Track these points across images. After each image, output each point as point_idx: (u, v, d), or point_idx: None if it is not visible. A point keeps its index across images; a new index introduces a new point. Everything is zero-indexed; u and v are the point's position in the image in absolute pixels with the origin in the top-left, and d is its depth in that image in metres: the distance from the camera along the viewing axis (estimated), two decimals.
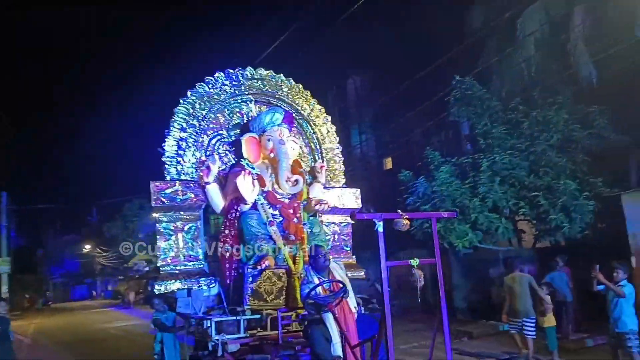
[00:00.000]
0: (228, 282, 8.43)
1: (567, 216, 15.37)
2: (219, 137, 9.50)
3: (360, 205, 10.22)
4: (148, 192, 8.47)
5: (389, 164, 28.55)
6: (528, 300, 12.28)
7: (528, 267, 17.01)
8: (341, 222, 10.03)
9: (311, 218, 9.29)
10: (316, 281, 7.32)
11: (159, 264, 8.59)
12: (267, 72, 9.79)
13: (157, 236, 8.63)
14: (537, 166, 15.96)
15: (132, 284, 49.13)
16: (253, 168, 8.83)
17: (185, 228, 8.76)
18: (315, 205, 9.19)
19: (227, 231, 8.56)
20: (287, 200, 9.00)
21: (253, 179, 8.70)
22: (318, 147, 10.04)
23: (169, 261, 8.62)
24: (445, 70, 18.00)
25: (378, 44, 25.04)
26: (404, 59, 22.02)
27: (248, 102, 9.69)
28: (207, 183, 8.68)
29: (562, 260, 14.90)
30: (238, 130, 9.55)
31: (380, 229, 6.40)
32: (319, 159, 10.03)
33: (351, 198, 10.13)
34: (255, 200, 8.75)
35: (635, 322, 9.68)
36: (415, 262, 6.75)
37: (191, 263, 8.72)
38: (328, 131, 10.16)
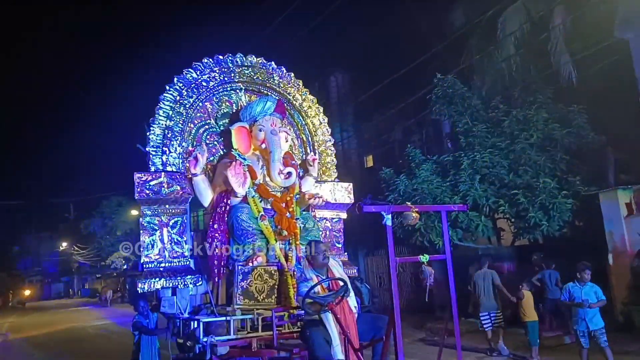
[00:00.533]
0: (217, 280, 7.62)
1: (545, 214, 15.03)
2: (206, 126, 8.65)
3: (353, 200, 9.45)
4: (127, 188, 7.87)
5: (370, 161, 28.03)
6: (491, 294, 12.89)
7: (507, 264, 16.77)
8: (333, 218, 9.24)
9: (304, 212, 8.49)
10: (315, 279, 6.56)
11: (142, 261, 7.74)
12: (258, 59, 8.95)
13: (141, 231, 7.77)
14: (517, 165, 15.59)
15: (110, 282, 47.75)
16: (244, 159, 8.03)
17: (171, 222, 7.89)
18: (309, 199, 8.39)
19: (215, 226, 7.73)
20: (279, 194, 8.20)
21: (244, 170, 7.89)
22: (310, 140, 9.23)
23: (153, 257, 7.75)
24: (427, 68, 17.47)
25: (361, 42, 24.46)
26: (386, 56, 21.18)
27: (237, 90, 8.85)
28: (195, 175, 7.86)
29: (537, 258, 14.77)
30: (227, 120, 8.71)
31: (389, 222, 5.71)
32: (310, 151, 9.21)
33: (343, 193, 9.36)
34: (245, 193, 7.91)
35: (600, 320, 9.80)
36: (425, 258, 6.08)
37: (177, 260, 7.86)
38: (320, 123, 9.36)
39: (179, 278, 7.69)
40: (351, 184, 9.45)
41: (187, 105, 8.24)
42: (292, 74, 9.23)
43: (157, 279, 7.57)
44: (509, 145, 15.69)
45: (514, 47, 17.03)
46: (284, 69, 9.14)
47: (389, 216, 5.76)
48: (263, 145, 8.23)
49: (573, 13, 15.87)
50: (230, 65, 8.65)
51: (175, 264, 7.82)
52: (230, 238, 7.76)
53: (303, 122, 9.23)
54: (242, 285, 7.42)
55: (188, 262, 7.97)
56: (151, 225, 7.76)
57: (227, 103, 8.82)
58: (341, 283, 6.33)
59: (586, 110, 15.77)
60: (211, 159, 8.47)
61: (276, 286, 7.56)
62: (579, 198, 15.14)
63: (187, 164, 7.90)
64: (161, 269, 7.73)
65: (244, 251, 7.53)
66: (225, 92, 8.77)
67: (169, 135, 8.03)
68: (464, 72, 17.62)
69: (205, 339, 7.04)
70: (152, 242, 7.75)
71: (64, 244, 62.97)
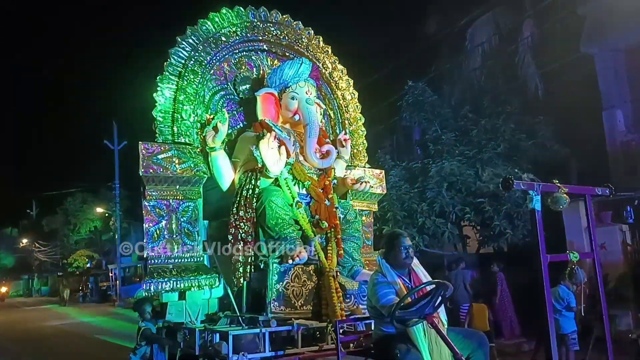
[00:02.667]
0: (242, 280, 5.10)
1: (510, 223, 13.40)
2: (223, 92, 6.01)
3: (385, 190, 6.91)
4: (94, 184, 5.24)
5: None
6: (463, 292, 12.04)
7: (471, 271, 15.17)
8: (363, 210, 6.59)
9: (342, 201, 5.91)
10: (400, 284, 4.21)
11: (146, 255, 5.15)
12: (284, 16, 6.34)
13: (145, 217, 5.15)
14: (484, 173, 13.64)
15: (72, 281, 42.36)
16: (280, 130, 5.51)
17: (181, 208, 5.28)
18: (353, 184, 5.88)
19: (241, 213, 5.12)
20: (315, 177, 5.67)
21: (278, 145, 5.43)
22: (339, 116, 6.62)
23: (159, 251, 5.14)
24: (399, 75, 15.36)
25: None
26: (357, 61, 19.27)
27: (259, 51, 6.23)
28: (214, 149, 5.33)
29: (498, 267, 13.00)
30: (247, 86, 6.06)
31: (538, 205, 4.24)
32: (340, 130, 6.59)
33: (375, 181, 6.65)
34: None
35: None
36: (575, 256, 4.01)
37: (188, 255, 5.26)
38: (352, 97, 6.75)
39: (192, 278, 5.14)
40: (383, 171, 6.98)
41: (204, 64, 5.64)
42: (320, 38, 6.61)
43: (166, 280, 5.01)
44: (476, 154, 13.91)
45: (483, 58, 15.43)
46: (311, 30, 6.53)
47: (538, 197, 4.21)
48: (296, 117, 5.70)
49: (540, 27, 14.43)
50: (254, 19, 6.04)
51: (186, 260, 5.23)
52: (259, 229, 5.24)
53: (332, 96, 6.62)
54: (277, 288, 4.95)
55: (201, 258, 5.38)
56: (157, 210, 5.17)
57: (246, 66, 6.16)
58: (433, 289, 4.00)
59: (551, 122, 14.29)
60: (229, 132, 5.76)
61: (314, 290, 5.17)
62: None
63: (204, 136, 5.35)
64: (170, 266, 5.16)
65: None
66: (245, 52, 6.14)
67: (181, 99, 5.41)
68: (435, 80, 15.77)
69: (236, 357, 4.52)
70: (158, 232, 5.16)
71: (25, 241, 56.38)
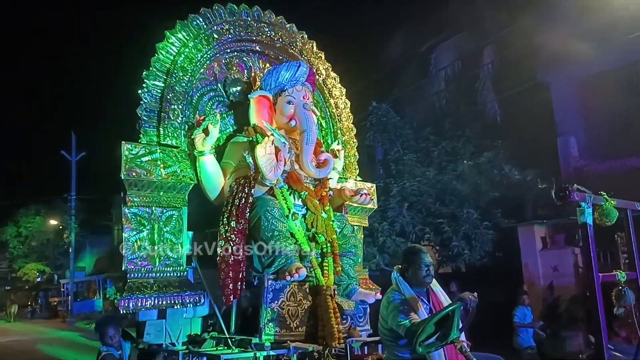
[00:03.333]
0: (232, 298, 4.45)
1: (468, 243, 13.24)
2: (212, 93, 5.29)
3: (377, 205, 6.31)
4: (46, 196, 4.53)
5: None
6: None
7: None
8: (354, 225, 5.70)
9: (337, 214, 5.22)
10: (417, 302, 3.69)
11: (124, 268, 4.44)
12: (278, 17, 5.63)
13: (124, 225, 4.43)
14: (444, 194, 13.59)
15: (20, 296, 39.29)
16: (279, 135, 4.79)
17: (164, 217, 4.56)
18: (351, 196, 5.20)
19: (233, 223, 4.44)
20: (312, 187, 5.01)
21: (275, 150, 4.82)
22: (331, 125, 5.96)
23: (139, 264, 4.41)
24: (363, 96, 14.94)
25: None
26: None
27: (251, 52, 5.53)
28: (202, 153, 4.66)
29: (456, 287, 12.43)
30: (237, 89, 5.35)
31: (589, 219, 3.85)
32: (332, 140, 5.93)
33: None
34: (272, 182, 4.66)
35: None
36: (622, 275, 3.60)
37: (170, 268, 4.53)
38: (345, 106, 6.12)
39: (175, 295, 4.45)
40: (374, 185, 6.38)
41: (194, 61, 4.92)
42: (314, 42, 5.94)
43: (147, 296, 4.32)
44: (436, 175, 13.70)
45: (446, 82, 15.22)
46: (305, 34, 5.87)
47: (590, 210, 3.87)
48: (292, 123, 5.00)
49: (500, 54, 14.30)
50: (247, 18, 5.34)
51: (168, 274, 4.53)
52: (252, 242, 4.62)
53: (325, 104, 5.96)
54: (272, 307, 4.33)
55: (185, 273, 4.64)
56: (138, 218, 4.46)
57: (237, 67, 5.45)
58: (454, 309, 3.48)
59: (509, 146, 14.15)
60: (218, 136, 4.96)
61: (310, 310, 4.55)
62: (499, 229, 13.49)
63: (192, 138, 4.68)
64: (151, 281, 4.47)
65: (275, 260, 4.45)
66: (237, 52, 5.44)
67: (169, 97, 4.68)
68: (399, 101, 15.43)
69: None
70: (138, 243, 4.45)
71: None
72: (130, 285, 4.36)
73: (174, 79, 4.75)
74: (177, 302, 4.45)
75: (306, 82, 5.10)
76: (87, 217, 30.39)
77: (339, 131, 5.88)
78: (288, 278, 4.27)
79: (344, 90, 6.02)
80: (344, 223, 5.04)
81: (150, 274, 4.47)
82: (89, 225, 31.34)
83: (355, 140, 6.07)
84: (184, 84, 4.81)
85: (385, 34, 17.31)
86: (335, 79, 5.97)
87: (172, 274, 4.57)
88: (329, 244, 4.77)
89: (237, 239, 4.46)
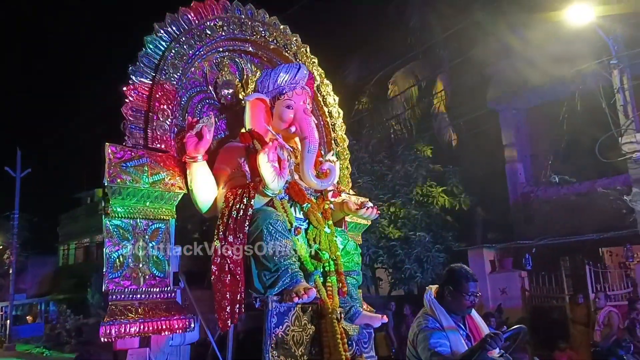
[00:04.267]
0: (229, 323, 3.74)
1: (420, 266, 13.17)
2: (203, 95, 4.56)
3: (370, 222, 5.44)
4: None
5: None
6: None
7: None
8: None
9: (337, 229, 4.51)
10: (456, 330, 3.13)
11: (105, 288, 3.65)
12: (272, 17, 4.93)
13: (105, 239, 3.66)
14: (397, 217, 13.39)
15: None
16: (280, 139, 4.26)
17: (150, 230, 3.82)
18: (358, 209, 4.53)
19: (230, 238, 3.72)
20: (314, 199, 4.36)
21: (281, 157, 4.17)
22: (324, 135, 5.26)
23: (122, 284, 3.63)
24: None
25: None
26: None
27: (244, 54, 4.83)
28: (195, 159, 3.95)
29: (410, 309, 12.39)
30: (229, 92, 4.63)
31: None
32: (325, 150, 5.17)
33: None
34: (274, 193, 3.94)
35: None
36: None
37: (157, 289, 3.76)
38: (338, 115, 5.41)
39: (163, 319, 3.72)
40: (367, 199, 5.75)
41: (186, 58, 4.18)
42: (308, 47, 5.22)
43: (131, 321, 3.57)
44: (390, 199, 13.48)
45: (403, 107, 14.96)
46: (299, 37, 5.12)
47: None
48: (292, 129, 4.32)
49: (453, 82, 14.17)
50: (241, 15, 4.63)
51: (155, 295, 3.79)
52: (252, 258, 3.82)
53: (318, 112, 5.23)
54: (276, 333, 3.64)
55: (173, 294, 3.90)
56: (121, 231, 3.70)
57: (229, 68, 4.73)
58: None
59: (460, 172, 14.12)
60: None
61: (315, 335, 3.90)
62: (450, 252, 13.47)
63: (184, 142, 3.93)
64: (136, 303, 3.72)
65: (279, 279, 3.79)
66: (228, 53, 4.74)
67: (157, 95, 3.94)
68: (355, 125, 14.91)
69: None
70: (121, 259, 3.69)
71: None
72: (113, 308, 3.59)
73: (163, 76, 4.03)
74: (164, 327, 3.69)
75: (305, 86, 4.49)
76: (30, 236, 28.34)
77: (333, 141, 5.26)
78: (296, 300, 3.60)
79: (337, 99, 5.41)
80: (346, 239, 4.40)
81: (134, 296, 3.71)
82: (33, 245, 29.25)
83: (348, 152, 5.47)
84: (174, 82, 4.09)
85: (344, 57, 16.96)
86: (328, 85, 5.35)
87: (158, 295, 3.81)
88: (331, 262, 4.13)
89: (235, 255, 3.77)
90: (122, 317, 3.55)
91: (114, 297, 3.62)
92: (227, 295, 3.68)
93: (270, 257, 3.74)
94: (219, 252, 3.75)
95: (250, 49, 4.75)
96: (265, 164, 3.77)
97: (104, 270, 3.65)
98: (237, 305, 3.70)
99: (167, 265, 3.91)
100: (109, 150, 3.69)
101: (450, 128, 14.44)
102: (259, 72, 4.77)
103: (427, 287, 3.49)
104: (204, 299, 3.94)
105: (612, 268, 13.74)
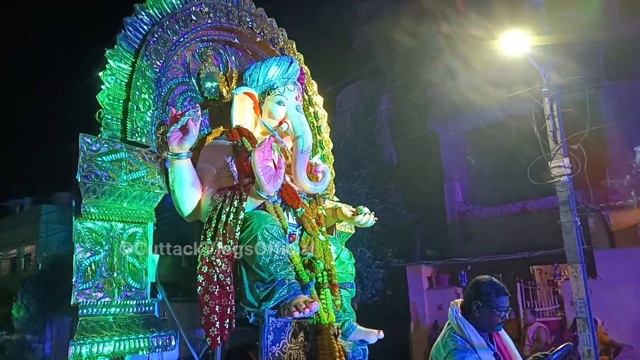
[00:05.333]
0: (218, 340, 3.16)
1: (360, 282, 12.65)
2: (184, 86, 3.94)
3: (354, 231, 4.83)
4: None
5: None
6: None
7: None
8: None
9: (331, 237, 3.94)
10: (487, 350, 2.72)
11: (74, 301, 2.99)
12: (258, 8, 4.35)
13: (76, 244, 3.04)
14: None
15: None
16: (277, 135, 3.74)
17: (127, 235, 3.24)
18: (354, 215, 3.94)
19: (219, 244, 3.16)
20: (307, 203, 3.83)
21: (277, 156, 3.68)
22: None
23: (94, 296, 3.03)
24: None
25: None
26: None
27: (227, 45, 4.25)
28: (178, 156, 3.34)
29: None
30: (213, 84, 4.03)
31: None
32: (312, 154, 4.64)
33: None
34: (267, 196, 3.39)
35: None
36: None
37: (133, 302, 3.19)
38: (323, 117, 4.90)
39: (140, 337, 3.11)
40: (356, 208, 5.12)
41: (169, 45, 3.60)
42: (294, 42, 4.69)
43: (105, 340, 2.95)
44: None
45: (348, 124, 14.67)
46: (285, 31, 4.59)
47: None
48: (283, 127, 3.81)
49: (396, 102, 14.05)
50: (228, 3, 4.06)
51: (131, 309, 3.17)
52: (243, 267, 3.32)
53: (304, 112, 4.24)
54: (273, 351, 3.10)
55: (151, 308, 3.30)
56: (94, 235, 3.06)
57: (213, 59, 4.13)
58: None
59: (401, 189, 14.00)
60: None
61: (310, 353, 3.40)
62: (389, 269, 13.37)
63: (167, 137, 3.30)
64: (110, 319, 3.10)
65: (275, 291, 3.20)
66: (212, 43, 4.16)
67: (138, 83, 3.37)
68: None
69: None
70: (93, 268, 3.06)
71: None
72: (83, 324, 2.96)
73: (144, 62, 3.45)
74: (142, 346, 3.10)
75: (297, 82, 4.02)
76: None
77: (318, 145, 4.77)
78: (296, 314, 3.08)
79: (322, 99, 4.95)
80: (340, 247, 3.90)
81: (107, 310, 3.10)
82: None
83: (332, 156, 5.00)
84: (157, 70, 3.51)
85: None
86: (314, 85, 4.86)
87: (135, 309, 3.21)
88: (325, 273, 3.64)
89: (224, 264, 3.22)
90: (95, 335, 2.95)
91: (84, 311, 3.01)
92: (216, 309, 3.12)
93: (266, 266, 3.21)
94: (207, 260, 3.20)
95: (236, 40, 4.20)
96: (261, 163, 3.26)
97: (73, 280, 3.03)
98: (227, 320, 3.14)
99: (145, 275, 3.33)
100: (83, 142, 3.09)
101: (393, 146, 14.28)
102: (242, 66, 4.26)
103: (451, 302, 3.07)
104: (182, 312, 3.37)
105: (542, 285, 13.92)
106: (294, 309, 3.09)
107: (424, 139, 13.65)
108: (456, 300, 3.02)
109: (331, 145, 4.84)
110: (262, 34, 4.24)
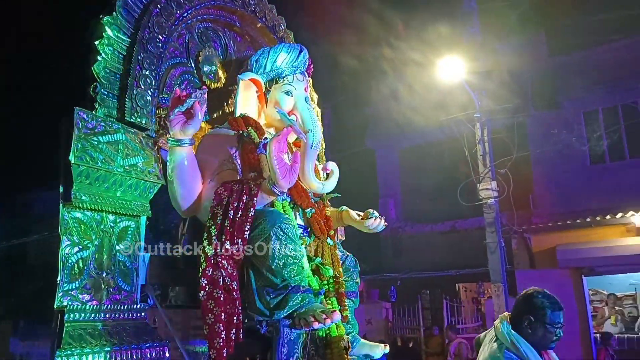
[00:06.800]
0: (223, 352, 2.63)
1: None
2: (182, 68, 3.41)
3: (344, 237, 4.51)
4: None
5: None
6: None
7: None
8: None
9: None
10: None
11: (58, 304, 2.43)
12: None
13: (62, 237, 2.48)
14: None
15: None
16: (294, 123, 3.20)
17: (118, 228, 2.72)
18: (363, 219, 3.60)
19: (227, 244, 2.66)
20: (316, 204, 3.40)
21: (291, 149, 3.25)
22: None
23: (81, 299, 2.49)
24: None
25: None
26: None
27: (228, 29, 3.76)
28: (179, 143, 2.83)
29: None
30: (212, 68, 3.53)
31: None
32: None
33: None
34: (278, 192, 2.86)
35: None
36: None
37: (123, 307, 2.66)
38: (318, 114, 4.28)
39: (133, 347, 2.58)
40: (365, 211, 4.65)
41: (173, 19, 3.11)
42: (292, 33, 4.23)
43: (95, 350, 2.41)
44: None
45: None
46: (284, 20, 4.13)
47: None
48: (292, 118, 3.30)
49: (335, 117, 13.84)
50: None
51: (121, 315, 2.64)
52: (251, 271, 2.85)
53: None
54: None
55: (142, 314, 2.79)
56: (83, 227, 2.52)
57: (211, 42, 3.64)
58: None
59: (337, 204, 13.38)
60: None
61: None
62: None
63: (169, 120, 2.76)
64: (99, 325, 2.55)
65: (290, 298, 2.74)
66: (213, 24, 3.66)
67: (140, 57, 2.85)
68: None
69: None
70: (80, 265, 2.51)
71: None
72: (69, 332, 2.42)
73: (146, 35, 2.96)
74: (135, 358, 2.59)
75: (305, 72, 3.63)
76: None
77: None
78: (316, 325, 2.68)
79: (316, 96, 4.57)
80: (345, 253, 3.53)
81: (96, 315, 2.57)
82: None
83: (324, 157, 4.61)
84: (159, 45, 3.02)
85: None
86: (309, 80, 4.48)
87: (125, 315, 2.69)
88: (331, 280, 3.25)
89: (230, 266, 2.78)
90: (83, 344, 2.42)
91: (71, 315, 2.46)
92: (222, 317, 2.66)
93: (279, 271, 2.78)
94: (212, 261, 2.73)
95: (237, 23, 3.72)
96: (277, 155, 2.85)
97: (58, 278, 2.48)
98: (234, 330, 2.69)
99: (136, 276, 2.82)
100: (78, 117, 2.56)
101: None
102: (240, 53, 3.82)
103: (500, 316, 2.77)
104: (180, 321, 2.88)
105: (466, 303, 14.09)
106: (313, 320, 2.67)
107: (361, 155, 13.52)
108: (505, 314, 2.72)
109: (324, 147, 4.46)
110: (264, 19, 3.81)
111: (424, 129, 13.27)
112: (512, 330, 2.59)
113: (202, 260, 2.72)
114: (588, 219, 11.91)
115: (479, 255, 11.99)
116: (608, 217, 11.67)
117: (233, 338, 2.65)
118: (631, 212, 11.35)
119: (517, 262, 13.22)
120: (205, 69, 3.47)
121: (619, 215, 11.49)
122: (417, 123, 13.12)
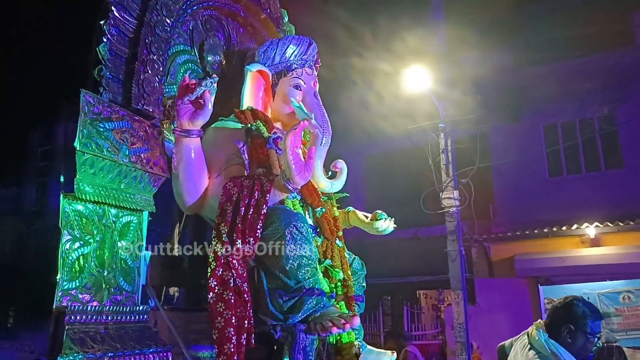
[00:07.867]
0: (235, 358, 2.35)
1: None
2: (186, 55, 3.16)
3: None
4: None
5: None
6: None
7: None
8: None
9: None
10: None
11: (57, 304, 2.15)
12: None
13: (63, 231, 2.22)
14: None
15: None
16: (311, 119, 2.91)
17: (120, 224, 2.45)
18: (373, 220, 3.51)
19: (238, 243, 2.45)
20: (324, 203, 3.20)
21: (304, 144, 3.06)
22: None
23: (81, 299, 2.23)
24: None
25: None
26: None
27: (230, 19, 3.51)
28: (188, 133, 2.63)
29: None
30: (217, 58, 3.32)
31: None
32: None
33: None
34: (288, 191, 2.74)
35: None
36: None
37: (125, 308, 2.40)
38: None
39: (136, 353, 2.32)
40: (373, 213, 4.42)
41: (180, 3, 2.87)
42: (294, 27, 3.95)
43: (98, 357, 2.14)
44: None
45: None
46: (286, 13, 3.88)
47: None
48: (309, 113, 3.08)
49: None
50: None
51: (123, 317, 2.38)
52: (262, 272, 2.64)
53: None
54: None
55: (145, 317, 2.52)
56: (84, 221, 2.26)
57: (215, 32, 3.39)
58: None
59: None
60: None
61: None
62: None
63: (176, 109, 2.59)
64: (101, 329, 2.29)
65: (305, 301, 2.53)
66: (217, 13, 3.41)
67: (147, 40, 2.59)
68: None
69: None
70: (81, 263, 2.25)
71: None
72: (71, 336, 2.16)
73: (154, 18, 2.72)
74: None
75: (314, 67, 3.45)
76: None
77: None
78: (334, 330, 2.49)
79: None
80: (352, 256, 3.35)
81: (98, 317, 2.31)
82: None
83: None
84: (167, 29, 2.79)
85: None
86: None
87: (127, 317, 2.44)
88: (340, 283, 3.07)
89: (240, 267, 2.57)
90: (86, 349, 2.16)
91: (73, 317, 2.20)
92: (233, 321, 2.45)
93: (293, 272, 2.59)
94: (222, 261, 2.52)
95: (241, 13, 3.49)
96: (292, 150, 2.67)
97: (58, 276, 2.22)
98: (245, 335, 2.48)
99: (137, 275, 2.57)
100: (85, 100, 2.31)
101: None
102: (242, 45, 3.61)
103: (534, 324, 2.64)
104: (183, 324, 2.64)
105: (426, 310, 14.09)
106: (331, 325, 2.49)
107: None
108: (540, 322, 2.59)
109: None
110: (268, 10, 3.60)
111: (391, 136, 13.23)
112: (550, 339, 2.47)
113: (211, 260, 2.50)
114: (545, 230, 12.08)
115: (440, 262, 11.99)
116: (564, 228, 11.87)
117: (244, 343, 2.44)
118: (586, 224, 11.57)
119: (476, 270, 13.30)
120: (209, 58, 3.25)
121: (575, 226, 11.71)
122: (385, 130, 13.07)
